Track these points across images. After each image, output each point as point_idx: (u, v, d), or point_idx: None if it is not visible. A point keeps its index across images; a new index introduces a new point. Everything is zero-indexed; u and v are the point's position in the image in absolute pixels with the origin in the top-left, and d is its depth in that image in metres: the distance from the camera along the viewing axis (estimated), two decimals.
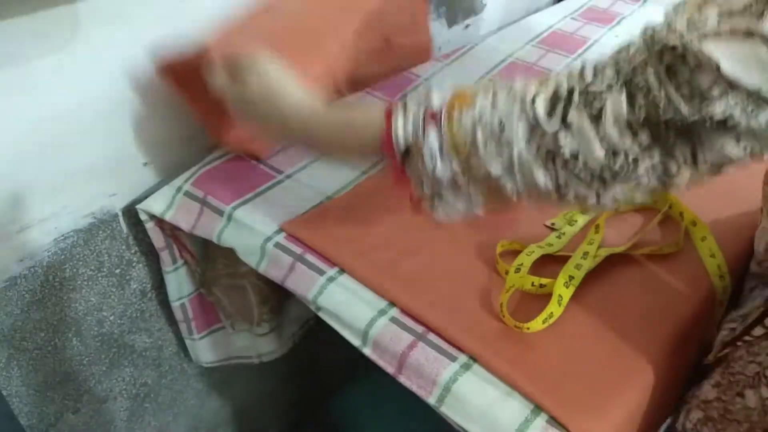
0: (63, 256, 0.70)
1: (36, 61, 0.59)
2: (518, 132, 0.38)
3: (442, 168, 0.41)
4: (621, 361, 0.54)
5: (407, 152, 0.43)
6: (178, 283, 0.79)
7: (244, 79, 0.51)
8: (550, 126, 0.37)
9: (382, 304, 0.58)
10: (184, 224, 0.69)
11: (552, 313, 0.56)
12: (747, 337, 0.50)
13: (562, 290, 0.57)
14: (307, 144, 0.53)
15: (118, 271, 0.78)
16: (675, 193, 0.38)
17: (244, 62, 0.52)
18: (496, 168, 0.39)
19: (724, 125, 0.33)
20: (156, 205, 0.71)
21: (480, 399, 0.51)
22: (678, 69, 0.33)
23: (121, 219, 0.75)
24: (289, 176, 0.72)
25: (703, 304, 0.60)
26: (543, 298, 0.57)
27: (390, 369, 0.55)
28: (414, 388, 0.54)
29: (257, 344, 0.84)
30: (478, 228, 0.66)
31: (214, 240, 0.67)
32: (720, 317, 0.62)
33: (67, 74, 0.62)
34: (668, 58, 0.34)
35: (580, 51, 1.05)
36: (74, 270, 0.72)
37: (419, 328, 0.56)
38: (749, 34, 0.32)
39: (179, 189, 0.71)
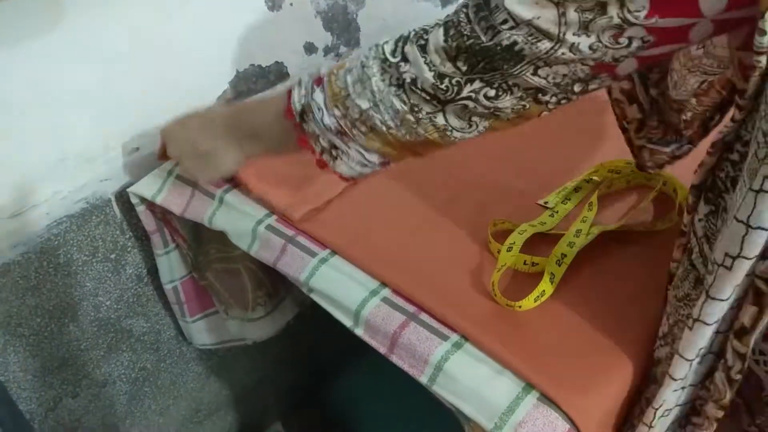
0: (56, 242, 0.70)
1: (26, 45, 0.58)
2: (373, 68, 0.47)
3: (327, 116, 0.50)
4: (613, 339, 0.54)
5: (303, 113, 0.51)
6: (170, 267, 0.79)
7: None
8: (394, 59, 0.46)
9: (374, 284, 0.58)
10: (175, 207, 0.69)
11: (544, 291, 0.56)
12: None
13: (554, 268, 0.57)
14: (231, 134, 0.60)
15: (113, 256, 0.78)
16: (506, 121, 0.47)
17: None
18: (363, 103, 0.48)
19: (514, 51, 0.41)
20: (147, 188, 0.70)
21: (471, 377, 0.51)
22: (482, 9, 0.42)
23: (114, 204, 0.75)
24: None
25: None
26: (535, 276, 0.57)
27: (382, 349, 0.55)
28: (406, 368, 0.54)
29: (250, 330, 0.84)
30: (471, 208, 0.66)
31: (206, 223, 0.67)
32: None
33: (55, 58, 0.61)
34: (477, 2, 0.42)
35: None
36: (68, 255, 0.73)
37: (411, 308, 0.56)
38: None
39: (170, 173, 0.70)
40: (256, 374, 1.13)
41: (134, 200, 0.72)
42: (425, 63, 0.44)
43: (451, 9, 1.14)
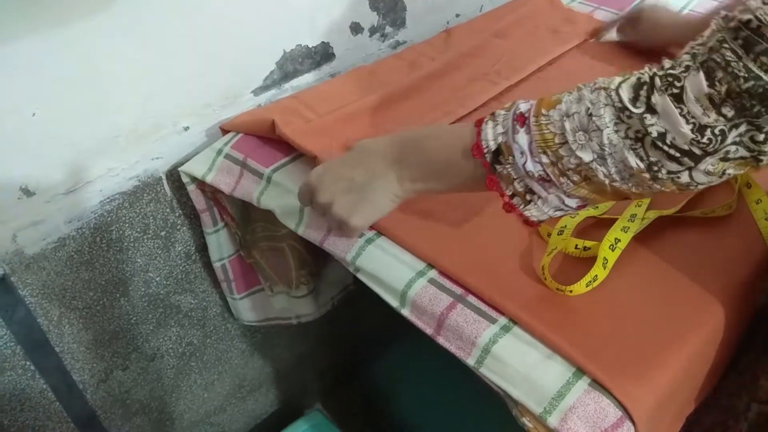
0: (109, 218, 0.72)
1: (79, 24, 0.59)
2: (605, 118, 0.41)
3: (532, 163, 0.44)
4: (668, 327, 0.52)
5: (497, 153, 0.46)
6: (219, 245, 0.80)
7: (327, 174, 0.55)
8: (636, 109, 0.39)
9: (421, 265, 0.58)
10: (225, 186, 0.70)
11: (596, 276, 0.54)
12: None
13: (608, 253, 0.56)
14: (407, 163, 0.54)
15: (163, 233, 0.79)
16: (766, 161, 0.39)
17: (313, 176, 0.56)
18: (587, 155, 0.42)
19: None
20: (197, 167, 0.71)
21: (520, 361, 0.50)
22: (754, 42, 0.35)
23: (164, 182, 0.76)
24: None
25: (756, 268, 0.58)
26: (587, 261, 0.56)
27: (429, 330, 0.55)
28: (453, 349, 0.53)
29: (295, 306, 0.85)
30: None
31: (254, 202, 0.67)
32: None
33: (108, 37, 0.62)
34: (743, 34, 0.36)
35: (628, 6, 1.01)
36: (120, 232, 0.74)
37: (458, 290, 0.55)
38: None
39: (220, 152, 0.71)
40: (297, 352, 1.14)
41: (185, 179, 0.73)
42: (681, 115, 0.38)
43: None
